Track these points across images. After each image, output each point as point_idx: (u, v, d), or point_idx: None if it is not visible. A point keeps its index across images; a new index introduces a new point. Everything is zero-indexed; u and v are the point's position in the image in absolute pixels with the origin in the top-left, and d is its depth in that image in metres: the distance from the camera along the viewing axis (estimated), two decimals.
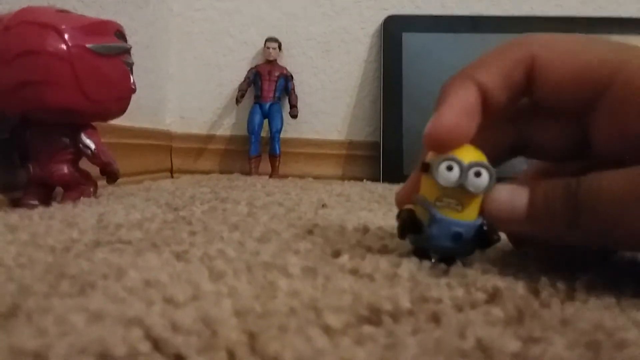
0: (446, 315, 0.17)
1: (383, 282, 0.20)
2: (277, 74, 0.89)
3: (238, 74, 0.93)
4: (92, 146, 0.44)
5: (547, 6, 0.90)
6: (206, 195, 0.52)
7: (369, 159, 0.92)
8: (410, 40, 0.90)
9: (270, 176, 0.87)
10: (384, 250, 0.25)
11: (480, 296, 0.19)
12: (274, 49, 0.89)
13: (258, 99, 0.90)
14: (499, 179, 0.21)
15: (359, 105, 0.95)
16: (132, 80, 0.45)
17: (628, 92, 0.19)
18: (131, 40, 0.47)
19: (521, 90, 0.22)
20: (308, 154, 0.94)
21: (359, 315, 0.16)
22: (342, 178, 0.91)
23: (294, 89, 0.91)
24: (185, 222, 0.34)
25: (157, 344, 0.14)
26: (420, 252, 0.23)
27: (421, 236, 0.22)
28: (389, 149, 0.87)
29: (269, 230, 0.31)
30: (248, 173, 0.88)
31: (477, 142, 0.21)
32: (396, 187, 0.70)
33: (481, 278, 0.20)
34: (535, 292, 0.19)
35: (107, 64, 0.42)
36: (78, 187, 0.44)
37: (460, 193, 0.21)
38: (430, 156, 0.22)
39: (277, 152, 0.88)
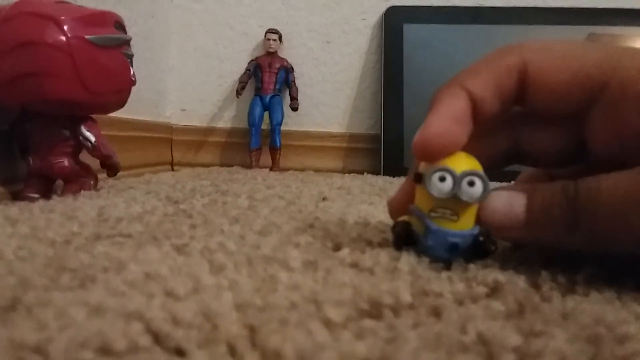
0: (447, 309, 0.17)
1: (384, 275, 0.20)
2: (277, 65, 0.89)
3: (238, 66, 0.93)
4: (93, 139, 0.44)
5: None
6: (207, 188, 0.52)
7: (370, 152, 0.92)
8: (412, 32, 0.89)
9: (271, 169, 0.87)
10: (384, 244, 0.25)
11: (481, 290, 0.19)
12: (275, 40, 0.89)
13: (258, 91, 0.89)
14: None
15: (360, 97, 0.94)
16: (132, 72, 0.45)
17: (624, 91, 0.19)
18: (131, 31, 0.46)
19: (513, 97, 0.22)
20: (309, 146, 0.94)
21: (360, 308, 0.16)
22: (343, 171, 0.91)
23: (294, 81, 0.90)
24: (186, 215, 0.34)
25: (157, 338, 0.14)
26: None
27: (417, 248, 0.22)
28: (389, 141, 0.87)
29: (269, 223, 0.31)
30: (248, 166, 0.87)
31: (471, 150, 0.21)
32: (396, 181, 0.70)
33: (482, 272, 0.20)
34: (536, 286, 0.19)
35: (107, 55, 0.42)
36: (78, 180, 0.44)
37: (454, 203, 0.20)
38: (422, 166, 0.22)
39: (278, 144, 0.87)
